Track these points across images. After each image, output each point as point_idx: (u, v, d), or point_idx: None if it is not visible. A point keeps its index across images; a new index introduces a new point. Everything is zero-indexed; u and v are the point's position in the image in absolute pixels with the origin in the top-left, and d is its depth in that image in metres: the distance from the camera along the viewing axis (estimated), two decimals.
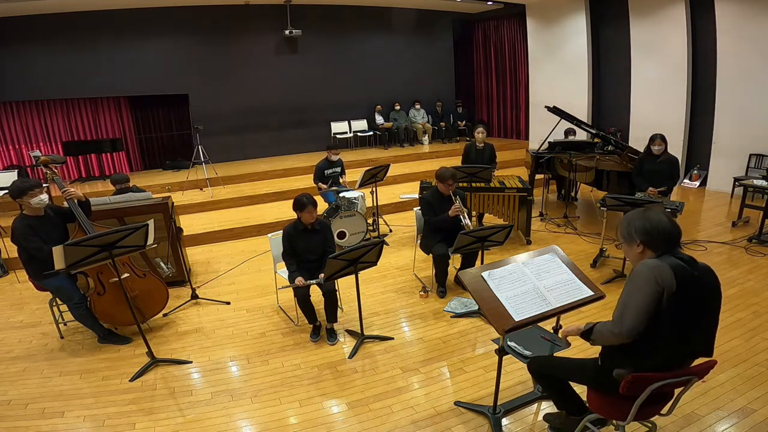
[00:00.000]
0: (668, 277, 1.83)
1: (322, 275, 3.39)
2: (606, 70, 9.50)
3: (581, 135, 8.05)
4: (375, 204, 6.07)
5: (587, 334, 2.08)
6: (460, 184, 5.05)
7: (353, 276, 3.47)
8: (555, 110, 6.54)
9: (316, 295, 3.76)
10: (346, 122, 10.89)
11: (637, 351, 1.93)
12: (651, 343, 1.90)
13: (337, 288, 3.82)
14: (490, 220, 6.11)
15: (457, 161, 6.32)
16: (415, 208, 4.73)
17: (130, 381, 3.28)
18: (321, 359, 3.49)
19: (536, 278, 2.53)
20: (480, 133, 6.15)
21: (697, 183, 8.04)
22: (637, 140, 7.70)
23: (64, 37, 8.51)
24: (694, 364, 2.01)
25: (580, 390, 2.46)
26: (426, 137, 11.22)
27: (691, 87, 7.90)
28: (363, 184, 5.65)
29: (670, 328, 1.86)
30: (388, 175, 5.99)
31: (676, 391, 2.07)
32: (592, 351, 2.29)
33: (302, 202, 3.69)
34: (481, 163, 5.80)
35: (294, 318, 4.08)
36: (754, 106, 6.97)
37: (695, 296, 1.87)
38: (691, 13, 7.61)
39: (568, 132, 7.46)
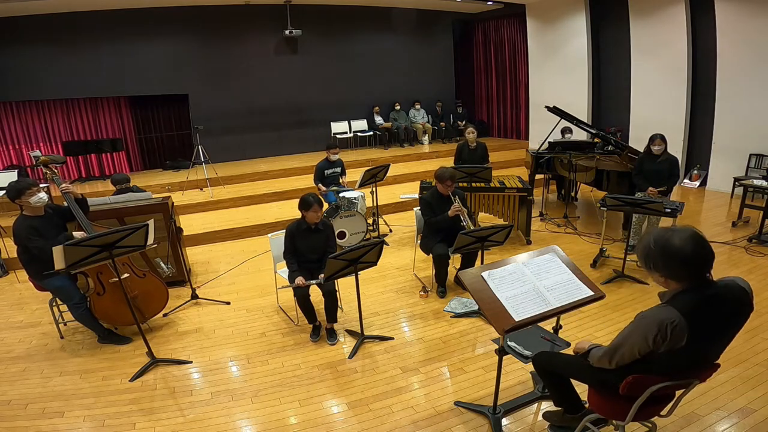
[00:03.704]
0: (677, 336, 1.74)
1: (322, 275, 3.39)
2: (606, 70, 9.50)
3: (578, 134, 8.07)
4: (375, 204, 6.07)
5: (585, 355, 2.17)
6: (460, 184, 5.06)
7: (353, 276, 3.47)
8: (555, 110, 6.55)
9: (316, 295, 3.76)
10: (346, 122, 10.89)
11: (643, 371, 1.90)
12: (658, 371, 1.88)
13: (337, 288, 3.82)
14: (490, 219, 6.10)
15: None
16: (415, 208, 4.73)
17: (130, 381, 3.28)
18: (321, 359, 3.49)
19: (536, 278, 2.53)
20: (471, 133, 6.21)
21: (697, 183, 8.03)
22: (637, 140, 7.70)
23: (64, 37, 8.51)
24: None
25: (581, 390, 2.47)
26: (426, 137, 11.23)
27: (691, 87, 7.89)
28: (363, 184, 5.64)
29: (676, 363, 1.85)
30: (388, 175, 5.99)
31: (677, 393, 2.07)
32: None
33: (308, 202, 3.70)
34: (473, 163, 5.81)
35: (294, 318, 4.08)
36: (754, 106, 6.96)
37: (717, 335, 1.82)
38: (691, 13, 7.61)
39: (565, 131, 7.48)
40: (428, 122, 11.42)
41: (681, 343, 1.74)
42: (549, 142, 6.76)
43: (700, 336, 1.76)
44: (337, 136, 10.60)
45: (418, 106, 11.36)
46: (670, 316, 1.74)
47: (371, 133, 11.05)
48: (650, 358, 1.87)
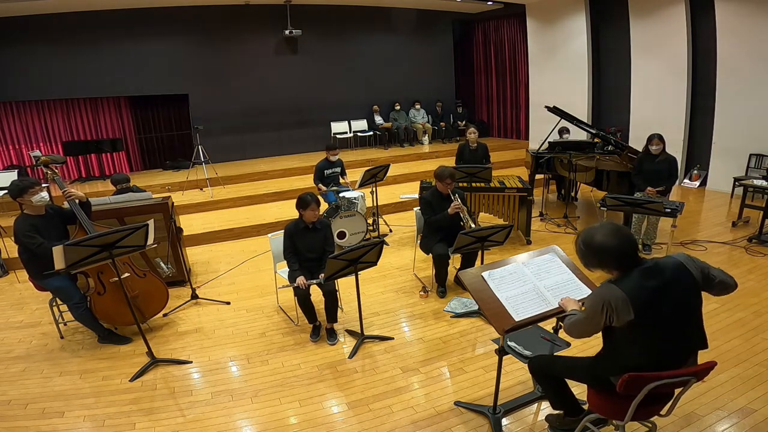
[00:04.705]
0: (622, 309, 1.86)
1: (322, 275, 3.40)
2: (606, 70, 9.50)
3: (578, 134, 8.07)
4: (375, 204, 6.07)
5: (564, 318, 2.25)
6: (460, 184, 5.06)
7: (353, 276, 3.47)
8: (555, 110, 6.55)
9: (316, 294, 3.76)
10: (346, 122, 10.89)
11: (630, 361, 1.94)
12: (640, 353, 1.94)
13: (337, 288, 3.82)
14: (490, 219, 6.10)
15: None
16: (415, 208, 4.73)
17: (130, 381, 3.28)
18: (321, 359, 3.49)
19: (536, 278, 2.53)
20: (472, 134, 6.26)
21: (697, 183, 8.03)
22: (637, 140, 7.69)
23: (64, 37, 8.51)
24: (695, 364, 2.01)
25: (580, 390, 2.47)
26: (426, 137, 11.23)
27: (691, 87, 7.89)
28: (363, 184, 5.65)
29: (649, 341, 1.92)
30: (388, 175, 5.99)
31: (676, 392, 2.07)
32: (592, 351, 2.29)
33: (306, 200, 3.72)
34: (475, 163, 5.82)
35: (294, 318, 4.08)
36: (754, 105, 6.96)
37: (667, 304, 1.89)
38: (691, 13, 7.61)
39: (562, 131, 7.48)
40: (428, 122, 11.42)
41: (630, 316, 1.86)
42: (549, 142, 6.77)
43: (656, 308, 1.87)
44: (337, 136, 10.60)
45: (418, 106, 11.36)
46: (612, 292, 1.90)
47: (371, 133, 11.05)
48: (617, 338, 1.97)
